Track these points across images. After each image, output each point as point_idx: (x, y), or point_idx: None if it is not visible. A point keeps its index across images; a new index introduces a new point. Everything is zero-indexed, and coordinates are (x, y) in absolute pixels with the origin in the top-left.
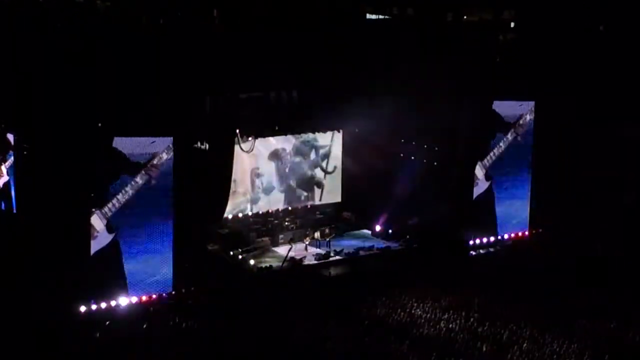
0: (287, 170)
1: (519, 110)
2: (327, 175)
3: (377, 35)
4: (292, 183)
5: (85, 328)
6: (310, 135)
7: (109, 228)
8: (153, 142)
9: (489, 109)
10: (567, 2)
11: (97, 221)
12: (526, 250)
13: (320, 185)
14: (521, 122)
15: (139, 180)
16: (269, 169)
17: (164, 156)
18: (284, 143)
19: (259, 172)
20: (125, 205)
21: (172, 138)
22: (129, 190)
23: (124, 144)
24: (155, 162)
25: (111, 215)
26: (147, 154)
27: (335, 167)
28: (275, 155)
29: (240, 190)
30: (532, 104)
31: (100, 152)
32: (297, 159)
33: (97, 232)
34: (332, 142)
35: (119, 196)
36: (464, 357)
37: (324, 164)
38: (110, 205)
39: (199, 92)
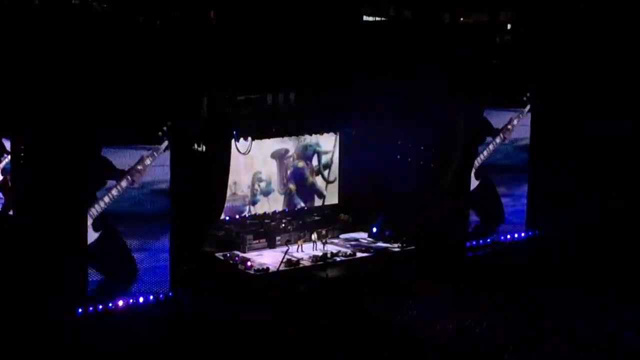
0: (288, 173)
1: (507, 115)
2: (329, 185)
3: (373, 37)
4: (292, 187)
5: (83, 329)
6: (312, 140)
7: (95, 227)
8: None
9: (484, 111)
10: (564, 4)
11: None
12: (523, 252)
13: (321, 195)
14: (509, 126)
15: (123, 184)
16: (269, 171)
17: (147, 162)
18: (286, 145)
19: (260, 177)
20: (121, 207)
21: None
22: (114, 193)
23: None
24: (139, 167)
25: (97, 215)
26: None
27: (335, 178)
28: (278, 156)
29: (239, 193)
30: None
31: (93, 156)
32: (300, 164)
33: None
34: (334, 148)
35: (105, 198)
36: (461, 358)
37: (325, 173)
38: (96, 206)
39: (196, 93)
